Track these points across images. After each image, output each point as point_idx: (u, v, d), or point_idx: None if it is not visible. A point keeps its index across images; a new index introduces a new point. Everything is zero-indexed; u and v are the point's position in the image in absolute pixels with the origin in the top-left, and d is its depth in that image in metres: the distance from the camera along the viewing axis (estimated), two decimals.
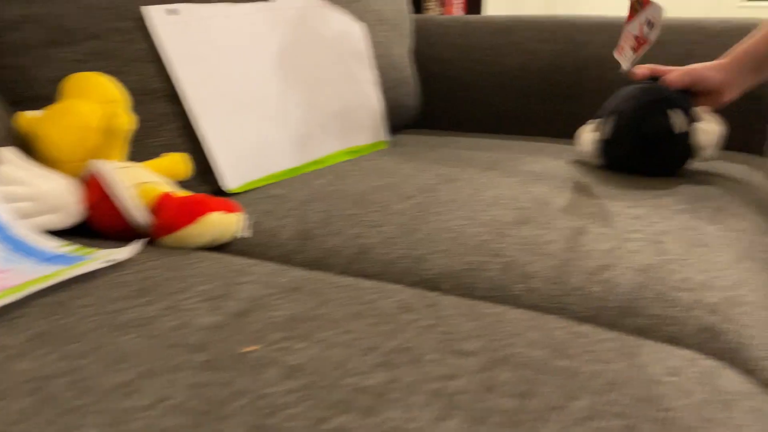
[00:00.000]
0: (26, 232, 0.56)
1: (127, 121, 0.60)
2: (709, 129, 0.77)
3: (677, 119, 0.75)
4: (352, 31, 0.96)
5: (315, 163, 0.88)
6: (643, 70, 0.86)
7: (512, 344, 0.39)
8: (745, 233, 0.62)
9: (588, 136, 0.83)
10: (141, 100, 0.74)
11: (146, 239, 0.57)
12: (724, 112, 1.05)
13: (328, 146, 0.90)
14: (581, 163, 0.85)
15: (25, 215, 0.58)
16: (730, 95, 0.82)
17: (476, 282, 0.54)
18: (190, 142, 0.76)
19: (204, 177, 0.77)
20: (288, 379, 0.35)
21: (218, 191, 0.78)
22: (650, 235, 0.57)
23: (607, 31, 1.12)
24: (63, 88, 0.65)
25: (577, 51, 1.13)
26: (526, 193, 0.70)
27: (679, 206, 0.66)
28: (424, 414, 0.32)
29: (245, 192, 0.78)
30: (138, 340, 0.39)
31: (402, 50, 1.14)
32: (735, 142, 1.06)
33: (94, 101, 0.64)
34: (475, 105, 1.25)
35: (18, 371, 0.36)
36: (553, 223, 0.60)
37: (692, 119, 0.77)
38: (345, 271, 0.59)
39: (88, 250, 0.54)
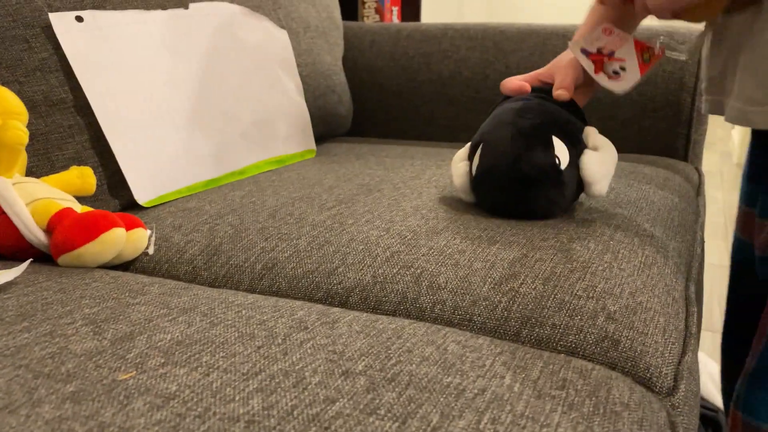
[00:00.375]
0: None
1: (20, 134, 0.57)
2: (600, 158, 0.63)
3: (562, 151, 0.61)
4: (274, 38, 0.95)
5: (236, 173, 0.85)
6: (516, 83, 0.72)
7: (403, 361, 0.38)
8: (654, 239, 0.63)
9: (459, 168, 0.66)
10: (45, 111, 0.70)
11: (30, 260, 0.54)
12: (646, 118, 1.08)
13: (250, 156, 0.88)
14: None
15: None
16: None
17: (385, 295, 0.53)
18: (99, 154, 0.73)
19: (116, 191, 0.74)
20: (158, 409, 0.33)
21: (131, 205, 0.75)
22: (559, 243, 0.57)
23: (533, 38, 1.14)
24: None
25: (505, 58, 1.14)
26: (446, 202, 0.70)
27: (592, 215, 0.66)
28: None
29: (158, 206, 0.75)
30: (4, 371, 0.36)
31: (331, 58, 1.13)
32: (658, 147, 1.09)
33: None
34: (406, 113, 1.25)
35: None
36: (468, 232, 0.60)
37: (580, 145, 0.63)
38: (251, 288, 0.57)
39: None
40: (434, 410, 0.33)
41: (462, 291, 0.51)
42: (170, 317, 0.44)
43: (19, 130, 0.57)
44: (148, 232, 0.62)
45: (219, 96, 0.84)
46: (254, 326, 0.43)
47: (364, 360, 0.38)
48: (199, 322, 0.43)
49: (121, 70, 0.75)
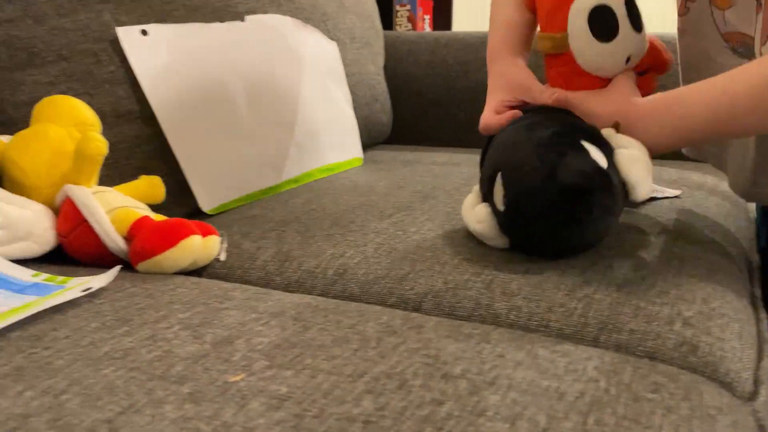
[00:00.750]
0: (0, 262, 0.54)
1: (101, 145, 0.59)
2: (636, 157, 0.55)
3: (596, 153, 0.53)
4: (325, 50, 0.97)
5: (290, 182, 0.87)
6: (501, 117, 0.64)
7: (498, 366, 0.39)
8: (715, 244, 0.63)
9: (478, 212, 0.58)
10: (113, 122, 0.73)
11: (120, 266, 0.56)
12: None
13: (303, 165, 0.90)
14: None
15: None
16: None
17: (458, 301, 0.54)
18: (164, 164, 0.75)
19: (180, 199, 0.76)
20: (276, 410, 0.34)
21: (194, 213, 0.77)
22: (624, 251, 0.58)
23: None
24: (34, 112, 0.64)
25: (541, 66, 1.15)
26: None
27: (649, 222, 0.67)
28: None
29: (221, 213, 0.77)
30: (118, 373, 0.38)
31: (375, 67, 1.15)
32: None
33: (66, 125, 0.63)
34: (444, 120, 1.26)
35: None
36: None
37: (608, 147, 0.56)
38: (325, 293, 0.59)
39: (62, 278, 0.53)
40: (539, 412, 0.34)
41: (536, 297, 0.52)
42: (262, 321, 0.45)
43: (99, 141, 0.59)
44: (220, 238, 0.64)
45: (274, 106, 0.86)
46: (345, 330, 0.44)
47: (460, 364, 0.39)
48: (292, 326, 0.45)
49: (184, 81, 0.77)
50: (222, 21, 0.84)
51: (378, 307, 0.50)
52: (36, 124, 0.63)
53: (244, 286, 0.55)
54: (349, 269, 0.60)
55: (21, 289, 0.51)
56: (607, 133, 0.58)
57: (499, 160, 0.57)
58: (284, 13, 0.93)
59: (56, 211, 0.61)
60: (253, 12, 0.88)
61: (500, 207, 0.55)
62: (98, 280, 0.50)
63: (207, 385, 0.37)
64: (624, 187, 0.55)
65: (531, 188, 0.52)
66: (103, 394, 0.36)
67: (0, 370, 0.39)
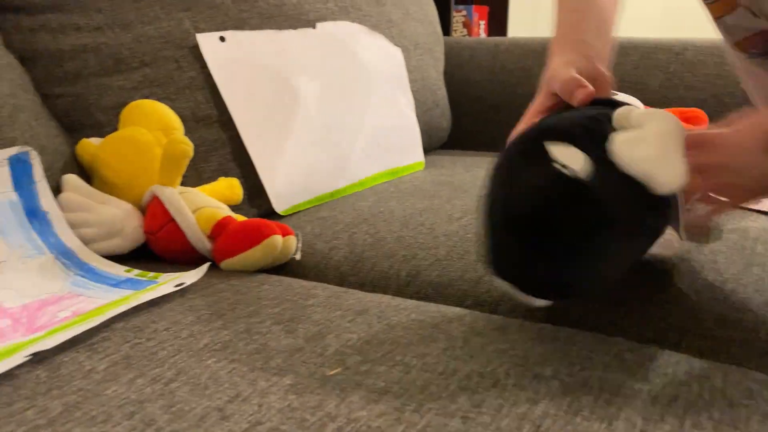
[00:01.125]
0: (94, 258, 0.57)
1: (187, 148, 0.61)
2: (638, 137, 0.40)
3: (571, 156, 0.39)
4: (390, 56, 0.98)
5: (356, 185, 0.89)
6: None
7: (587, 367, 0.40)
8: None
9: None
10: (193, 126, 0.75)
11: (209, 263, 0.58)
12: None
13: (368, 168, 0.91)
14: None
15: (87, 240, 0.60)
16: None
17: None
18: (239, 166, 0.78)
19: (253, 200, 0.78)
20: (375, 402, 0.36)
21: (266, 214, 0.79)
22: (702, 256, 0.58)
23: (636, 52, 1.14)
24: (122, 116, 0.67)
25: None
26: None
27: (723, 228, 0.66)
28: None
29: (292, 214, 0.79)
30: (220, 364, 0.40)
31: (436, 73, 1.16)
32: None
33: (153, 129, 0.66)
34: (504, 126, 1.25)
35: (110, 395, 0.37)
36: None
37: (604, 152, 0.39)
38: (399, 293, 0.60)
39: (153, 274, 0.56)
40: (635, 414, 0.35)
41: (614, 303, 0.52)
42: (348, 319, 0.47)
43: (185, 144, 0.62)
44: (296, 238, 0.66)
45: (342, 111, 0.88)
46: (430, 329, 0.45)
47: (549, 365, 0.40)
48: (377, 324, 0.46)
49: (259, 86, 0.80)
50: (294, 28, 0.86)
51: (457, 309, 0.51)
52: (125, 127, 0.66)
53: (322, 284, 0.56)
54: (422, 271, 0.61)
55: (116, 283, 0.54)
56: (619, 114, 0.41)
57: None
58: (352, 21, 0.95)
59: (143, 210, 0.64)
60: (324, 19, 0.91)
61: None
62: (189, 276, 0.53)
63: (306, 378, 0.38)
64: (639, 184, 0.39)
65: (482, 227, 0.43)
66: (209, 384, 0.38)
67: (110, 358, 0.41)
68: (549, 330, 0.46)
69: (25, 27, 0.73)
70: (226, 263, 0.60)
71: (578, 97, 0.49)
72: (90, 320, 0.44)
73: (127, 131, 0.65)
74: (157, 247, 0.63)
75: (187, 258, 0.62)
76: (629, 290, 0.53)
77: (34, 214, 0.57)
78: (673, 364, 0.41)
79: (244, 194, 0.78)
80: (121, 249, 0.62)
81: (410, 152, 0.99)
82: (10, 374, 0.39)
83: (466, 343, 0.43)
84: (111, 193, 0.64)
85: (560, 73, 0.53)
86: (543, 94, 0.56)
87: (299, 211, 0.80)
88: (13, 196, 0.55)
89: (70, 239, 0.58)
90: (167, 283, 0.52)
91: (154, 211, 0.62)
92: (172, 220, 0.61)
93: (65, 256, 0.56)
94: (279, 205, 0.78)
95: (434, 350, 0.42)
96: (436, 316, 0.48)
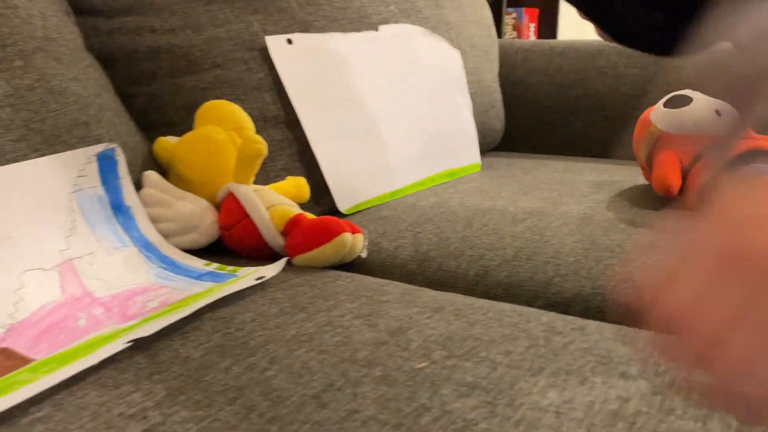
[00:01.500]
0: (174, 251, 0.59)
1: (261, 147, 0.63)
2: None
3: None
4: (450, 58, 0.99)
5: (415, 185, 0.90)
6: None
7: (672, 368, 0.40)
8: None
9: None
10: (261, 126, 0.77)
11: (286, 258, 0.60)
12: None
13: (427, 169, 0.92)
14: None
15: (166, 235, 0.62)
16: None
17: (608, 306, 0.55)
18: (304, 166, 0.79)
19: (318, 199, 0.80)
20: (467, 396, 0.36)
21: (329, 213, 0.81)
22: None
23: (699, 56, 1.12)
24: (198, 115, 0.69)
25: (666, 75, 1.13)
26: (641, 217, 0.71)
27: None
28: None
29: (354, 213, 0.80)
30: (310, 354, 0.41)
31: (491, 75, 1.16)
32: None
33: (227, 128, 0.68)
34: (558, 128, 1.25)
35: (210, 381, 0.38)
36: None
37: None
38: (469, 293, 0.61)
39: (232, 268, 0.58)
40: (728, 415, 0.35)
41: None
42: (426, 315, 0.48)
43: (260, 143, 0.64)
44: (363, 237, 0.67)
45: (403, 112, 0.89)
46: (509, 328, 0.46)
47: (634, 365, 0.40)
48: (456, 321, 0.47)
49: (324, 87, 0.81)
50: (358, 30, 0.88)
51: (531, 309, 0.51)
52: (200, 126, 0.69)
53: (392, 282, 0.57)
54: (490, 271, 0.62)
55: (198, 276, 0.56)
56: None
57: None
58: (413, 23, 0.96)
59: (217, 206, 0.66)
60: (386, 22, 0.92)
61: None
62: (269, 270, 0.54)
63: (395, 370, 0.39)
64: None
65: None
66: (303, 372, 0.39)
67: (204, 346, 0.43)
68: (626, 331, 0.46)
69: (103, 30, 0.76)
70: (298, 259, 0.61)
71: None
72: (180, 310, 0.46)
73: (203, 130, 0.67)
74: (231, 243, 0.65)
75: (260, 253, 0.64)
76: None
77: (118, 208, 0.59)
78: None
79: (310, 193, 0.80)
80: (198, 244, 0.64)
81: (467, 154, 1.00)
82: (112, 359, 0.41)
83: (548, 342, 0.43)
84: (187, 190, 0.66)
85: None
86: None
87: (361, 210, 0.81)
88: (101, 190, 0.58)
89: (151, 233, 0.60)
90: (248, 276, 0.53)
91: (229, 208, 0.64)
92: (247, 216, 0.63)
93: (148, 249, 0.58)
94: (342, 204, 0.79)
95: (518, 348, 0.42)
96: (513, 315, 0.48)
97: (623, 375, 0.39)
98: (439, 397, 0.36)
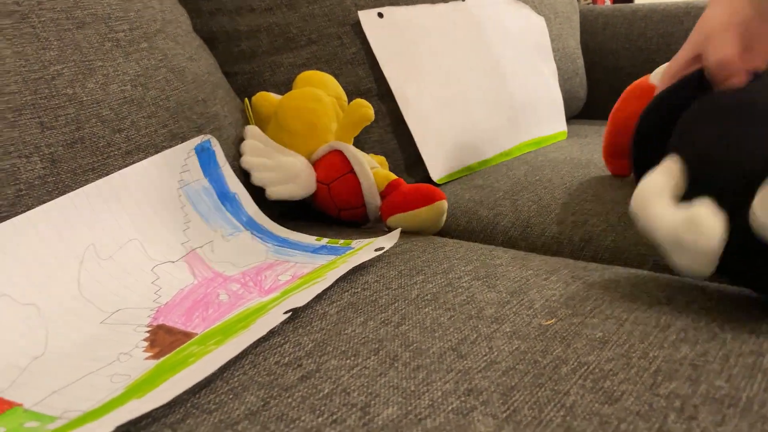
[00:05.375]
0: (284, 231, 0.62)
1: (369, 111, 0.65)
2: None
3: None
4: (534, 25, 0.98)
5: (503, 155, 0.90)
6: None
7: None
8: None
9: (697, 217, 0.40)
10: None
11: (400, 228, 0.61)
12: None
13: (514, 138, 0.92)
14: None
15: (268, 184, 0.65)
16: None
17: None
18: (397, 138, 0.81)
19: (411, 169, 0.82)
20: (600, 350, 0.38)
21: (423, 182, 0.82)
22: None
23: None
24: (298, 80, 0.72)
25: None
26: None
27: None
28: (749, 384, 0.34)
29: (447, 183, 0.82)
30: (438, 312, 0.44)
31: (574, 42, 1.14)
32: None
33: (330, 94, 0.70)
34: None
35: (350, 335, 0.41)
36: None
37: None
38: (575, 258, 0.62)
39: (343, 241, 0.60)
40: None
41: None
42: (543, 277, 0.49)
43: (368, 108, 0.66)
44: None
45: (491, 81, 0.89)
46: (629, 288, 0.46)
47: (765, 322, 0.40)
48: (573, 283, 0.48)
49: (415, 59, 0.83)
50: (445, 2, 0.88)
51: (645, 271, 0.52)
52: (302, 87, 0.71)
53: (499, 247, 0.59)
54: (594, 236, 0.62)
55: (314, 250, 0.59)
56: None
57: (737, 142, 0.40)
58: None
59: (312, 164, 0.68)
60: None
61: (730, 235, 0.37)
62: (385, 240, 0.57)
63: (524, 327, 0.41)
64: None
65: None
66: (435, 328, 0.41)
67: (337, 304, 0.46)
68: (748, 293, 0.46)
69: (204, 11, 0.80)
70: (393, 219, 0.63)
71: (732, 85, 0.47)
72: (321, 278, 0.47)
73: (309, 89, 0.69)
74: (325, 199, 0.66)
75: (351, 213, 0.66)
76: None
77: (224, 196, 0.62)
78: None
79: (403, 164, 0.82)
80: (296, 194, 0.65)
81: (554, 122, 1.00)
82: None
83: (671, 301, 0.44)
84: (287, 145, 0.68)
85: (718, 42, 0.48)
86: (690, 50, 0.51)
87: (453, 180, 0.83)
88: (205, 182, 0.61)
89: (260, 217, 0.63)
90: (366, 246, 0.56)
91: (333, 162, 0.66)
92: (351, 171, 0.65)
93: (259, 231, 0.61)
94: (435, 174, 0.81)
95: (641, 306, 0.43)
96: (629, 277, 0.49)
97: (753, 332, 0.39)
98: (573, 351, 0.38)
